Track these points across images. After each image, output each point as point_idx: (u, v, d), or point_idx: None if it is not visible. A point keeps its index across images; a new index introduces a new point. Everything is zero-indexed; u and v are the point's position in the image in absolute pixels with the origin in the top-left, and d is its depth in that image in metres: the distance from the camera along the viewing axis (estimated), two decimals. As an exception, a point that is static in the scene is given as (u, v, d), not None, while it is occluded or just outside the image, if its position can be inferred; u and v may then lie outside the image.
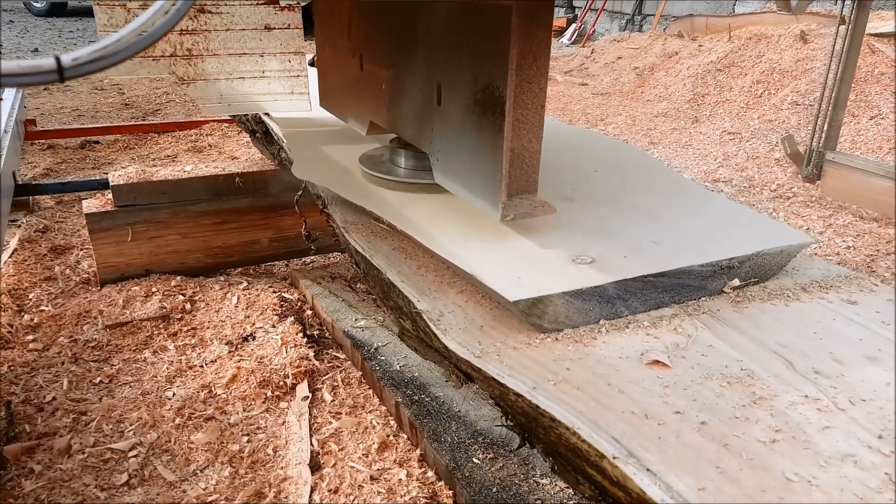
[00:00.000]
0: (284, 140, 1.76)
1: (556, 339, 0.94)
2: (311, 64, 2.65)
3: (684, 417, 0.79)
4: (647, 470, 0.70)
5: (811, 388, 0.86)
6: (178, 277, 2.27)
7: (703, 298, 1.06)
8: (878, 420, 0.82)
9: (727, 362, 0.90)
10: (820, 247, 2.59)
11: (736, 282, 1.09)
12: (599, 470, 0.76)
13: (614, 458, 0.72)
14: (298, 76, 2.04)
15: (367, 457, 1.62)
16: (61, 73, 0.57)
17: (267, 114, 2.05)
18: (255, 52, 1.98)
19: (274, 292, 2.25)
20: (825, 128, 2.87)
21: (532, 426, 0.85)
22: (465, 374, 1.09)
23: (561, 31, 9.06)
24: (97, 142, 3.87)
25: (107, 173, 3.29)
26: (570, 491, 1.47)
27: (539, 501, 1.42)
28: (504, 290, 0.95)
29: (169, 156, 3.65)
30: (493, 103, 1.12)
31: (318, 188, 1.47)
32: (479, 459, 1.53)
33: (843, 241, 2.64)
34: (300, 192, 1.92)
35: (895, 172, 2.58)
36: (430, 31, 1.30)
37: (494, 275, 1.01)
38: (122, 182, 2.17)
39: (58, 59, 0.57)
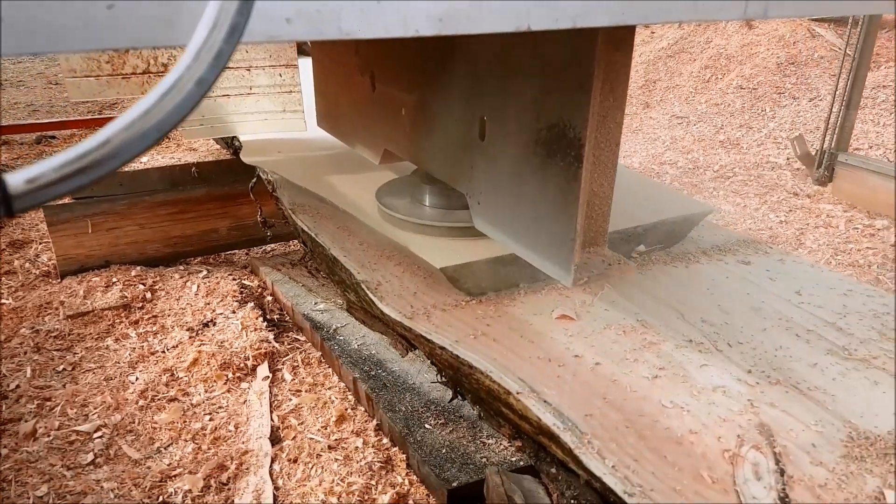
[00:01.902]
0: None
1: (480, 301, 1.05)
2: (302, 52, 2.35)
3: (582, 360, 0.91)
4: (545, 402, 0.82)
5: (696, 334, 0.99)
6: (138, 267, 2.33)
7: (612, 262, 1.18)
8: (750, 359, 0.94)
9: (626, 315, 1.02)
10: (754, 221, 2.76)
11: (642, 247, 1.21)
12: (508, 406, 0.87)
13: (518, 393, 0.83)
14: (291, 92, 1.83)
15: (325, 429, 1.71)
16: (8, 207, 0.38)
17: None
18: (240, 65, 1.78)
19: (234, 280, 2.32)
20: (837, 128, 2.74)
21: (458, 377, 0.96)
22: (406, 340, 1.19)
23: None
24: (53, 137, 3.85)
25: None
26: (514, 448, 1.59)
27: (484, 459, 1.54)
28: (432, 259, 1.05)
29: (127, 151, 3.66)
30: (563, 145, 0.92)
31: (268, 173, 1.55)
32: (430, 425, 1.64)
33: (777, 217, 2.82)
34: (254, 180, 1.99)
35: (895, 172, 2.53)
36: (469, 55, 1.08)
37: (423, 245, 1.12)
38: (79, 176, 2.21)
39: (2, 185, 0.37)
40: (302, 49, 2.22)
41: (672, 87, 4.68)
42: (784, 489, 0.72)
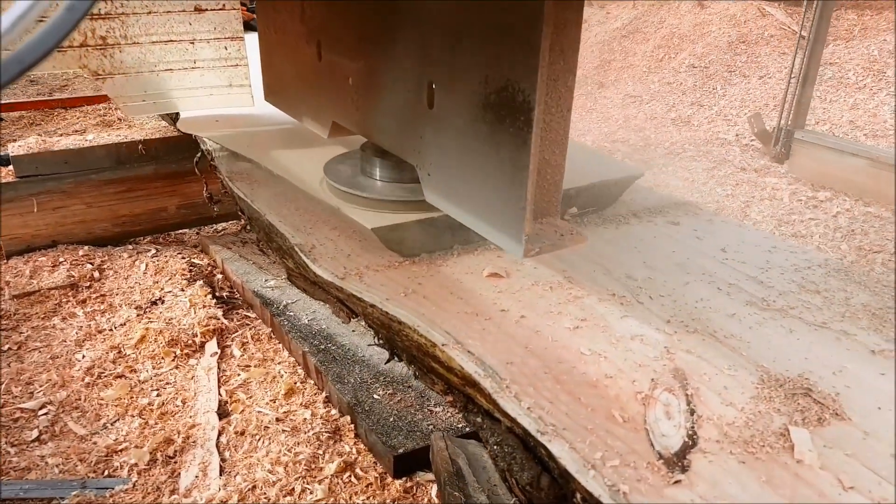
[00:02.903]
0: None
1: (414, 262, 1.07)
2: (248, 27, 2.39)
3: (507, 314, 0.94)
4: (468, 352, 0.84)
5: (619, 288, 1.02)
6: (86, 247, 2.29)
7: (545, 224, 1.21)
8: (670, 310, 0.98)
9: (554, 272, 1.05)
10: (701, 195, 2.83)
11: (574, 210, 1.24)
12: (436, 359, 0.89)
13: (443, 345, 0.85)
14: (237, 66, 1.76)
15: (274, 402, 1.72)
16: None
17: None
18: (183, 38, 1.69)
19: (183, 258, 2.30)
20: (793, 105, 2.79)
21: (390, 335, 0.98)
22: (345, 306, 1.20)
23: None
24: (1, 119, 3.74)
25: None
26: (460, 416, 1.63)
27: (431, 426, 1.57)
28: (364, 220, 1.06)
29: (77, 131, 3.58)
30: (513, 109, 0.88)
31: (207, 143, 1.54)
32: (379, 395, 1.66)
33: (723, 190, 2.90)
34: (199, 155, 1.97)
35: (895, 160, 2.53)
36: (418, 15, 1.04)
37: (358, 210, 1.13)
38: (22, 153, 2.16)
39: None
40: (249, 25, 2.18)
41: (626, 66, 4.74)
42: (693, 427, 0.76)
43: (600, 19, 5.30)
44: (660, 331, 0.92)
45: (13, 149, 2.20)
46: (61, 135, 3.53)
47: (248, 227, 1.58)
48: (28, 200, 2.19)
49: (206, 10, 1.70)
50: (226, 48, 1.77)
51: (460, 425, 1.58)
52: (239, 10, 1.75)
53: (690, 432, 0.75)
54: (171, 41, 1.70)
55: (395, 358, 1.12)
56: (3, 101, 3.88)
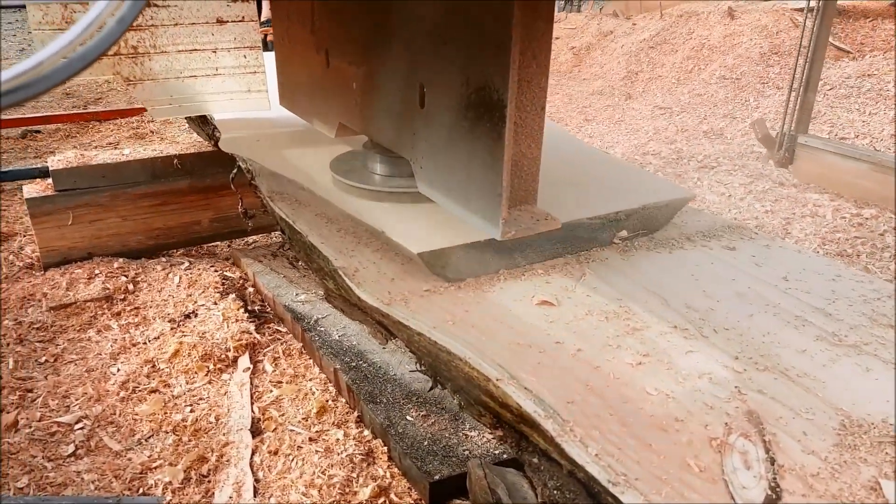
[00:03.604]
0: (215, 118, 1.78)
1: (459, 287, 1.03)
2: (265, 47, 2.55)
3: (563, 346, 0.89)
4: (525, 388, 0.80)
5: (680, 320, 0.97)
6: (121, 259, 2.30)
7: (594, 248, 1.17)
8: (736, 345, 0.93)
9: (608, 301, 1.01)
10: (739, 211, 2.76)
11: (624, 233, 1.19)
12: (488, 394, 0.85)
13: (497, 380, 0.81)
14: (255, 73, 1.89)
15: (306, 420, 1.69)
16: None
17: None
18: (206, 47, 1.83)
19: (216, 271, 2.29)
20: (796, 111, 2.81)
21: (436, 364, 0.95)
22: (383, 327, 1.17)
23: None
24: (38, 131, 3.81)
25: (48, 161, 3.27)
26: (496, 441, 1.58)
27: (467, 451, 1.52)
28: (408, 244, 1.03)
29: (111, 143, 3.63)
30: (489, 107, 0.98)
31: (247, 161, 1.53)
32: (412, 417, 1.63)
33: (762, 206, 2.82)
34: (235, 171, 1.97)
35: (895, 163, 2.54)
36: (409, 23, 1.15)
37: (401, 231, 1.10)
38: (61, 167, 2.18)
39: None
40: (266, 45, 2.23)
41: (654, 77, 4.68)
42: (774, 478, 0.71)
43: (626, 30, 5.24)
44: (728, 368, 0.87)
45: (52, 163, 2.21)
46: (95, 147, 3.58)
47: (288, 246, 1.56)
48: (65, 213, 2.21)
49: (227, 21, 1.82)
50: (245, 57, 1.89)
51: (497, 451, 1.53)
52: (256, 22, 1.87)
53: (773, 484, 0.70)
54: (196, 50, 1.83)
55: (439, 386, 1.08)
56: (40, 115, 3.94)
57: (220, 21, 1.81)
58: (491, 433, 0.93)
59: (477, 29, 0.97)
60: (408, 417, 1.62)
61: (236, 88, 1.91)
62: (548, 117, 1.05)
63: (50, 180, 2.22)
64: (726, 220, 1.34)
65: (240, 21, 1.83)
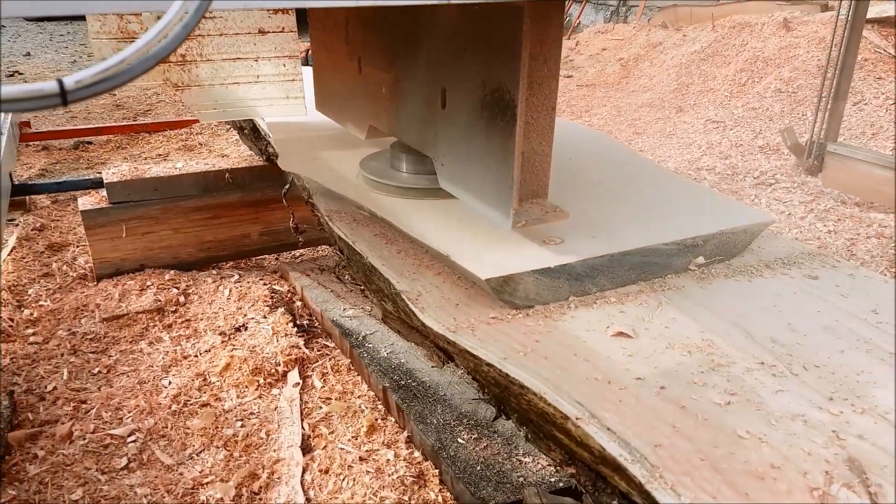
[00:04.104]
0: (271, 135, 1.79)
1: (528, 314, 0.99)
2: (305, 63, 2.63)
3: (644, 382, 0.84)
4: (608, 429, 0.75)
5: (767, 356, 0.91)
6: (172, 271, 2.32)
7: (668, 276, 1.11)
8: (829, 384, 0.87)
9: (689, 333, 0.96)
10: (801, 231, 2.65)
11: (700, 259, 1.14)
12: (565, 432, 0.81)
13: (577, 419, 0.77)
14: (293, 80, 1.99)
15: (356, 439, 1.67)
16: (64, 97, 0.56)
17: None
18: (249, 56, 1.94)
19: (265, 284, 2.29)
20: (826, 119, 2.83)
21: (504, 395, 0.91)
22: (445, 353, 1.14)
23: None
24: (90, 142, 3.91)
25: (100, 172, 3.34)
26: (552, 468, 1.53)
27: (521, 478, 1.47)
28: (476, 269, 1.00)
29: (160, 154, 3.70)
30: (502, 106, 1.07)
31: (304, 179, 1.52)
32: (463, 440, 1.58)
33: (825, 226, 2.70)
34: (287, 186, 1.97)
35: (895, 163, 2.56)
36: (433, 32, 1.25)
37: (468, 255, 1.06)
38: (115, 180, 2.21)
39: (60, 83, 0.55)
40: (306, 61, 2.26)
41: (706, 90, 4.56)
42: (877, 532, 0.65)
43: (676, 42, 5.14)
44: (823, 410, 0.81)
45: (107, 176, 2.25)
46: (145, 158, 3.65)
47: (346, 266, 1.55)
48: (118, 226, 2.24)
49: (268, 32, 1.92)
50: (284, 65, 1.99)
51: (553, 479, 1.48)
52: (295, 32, 1.97)
53: (881, 541, 0.64)
54: (239, 58, 1.93)
55: (503, 416, 1.04)
56: (91, 126, 4.05)
57: (261, 31, 1.92)
58: (560, 469, 0.88)
59: (492, 37, 1.07)
60: (459, 440, 1.58)
61: (276, 95, 2.01)
62: (605, 131, 1.05)
63: (103, 192, 2.26)
64: (805, 246, 1.27)
65: (280, 32, 1.94)
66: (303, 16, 2.04)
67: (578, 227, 1.20)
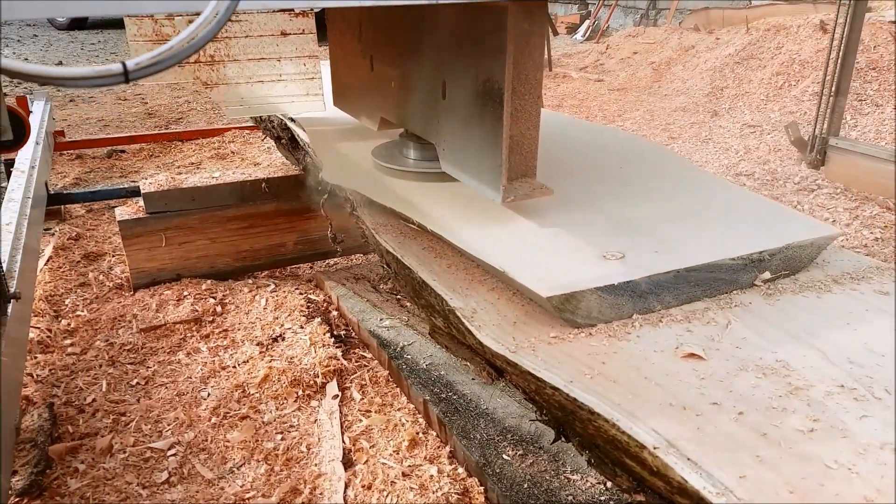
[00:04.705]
0: (311, 146, 1.79)
1: (590, 333, 0.96)
2: None
3: (721, 408, 0.81)
4: (688, 459, 0.72)
5: (846, 378, 0.87)
6: (209, 281, 2.32)
7: (734, 292, 1.07)
8: (915, 408, 0.82)
9: (761, 354, 0.91)
10: (847, 238, 2.57)
11: (767, 275, 1.09)
12: (639, 461, 0.77)
13: (654, 448, 0.73)
14: (313, 78, 2.13)
15: (397, 453, 1.64)
16: (126, 76, 0.70)
17: (292, 119, 2.09)
18: (272, 56, 2.08)
19: (300, 294, 2.28)
20: (828, 114, 2.90)
21: (568, 420, 0.87)
22: (496, 369, 1.11)
23: (574, 28, 9.04)
24: (123, 151, 3.95)
25: (134, 181, 3.37)
26: (602, 486, 1.48)
27: (570, 497, 1.43)
28: (537, 287, 0.97)
29: (193, 163, 3.72)
30: (492, 96, 1.21)
31: (347, 191, 1.50)
32: (508, 456, 1.55)
33: (871, 233, 2.62)
34: (326, 196, 1.95)
35: (895, 158, 2.59)
36: (435, 32, 1.40)
37: (526, 271, 1.03)
38: (152, 189, 2.22)
39: (123, 65, 0.70)
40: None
41: (741, 94, 4.47)
42: None
43: (709, 45, 5.05)
44: (913, 438, 0.77)
45: (144, 186, 2.26)
46: (179, 167, 3.68)
47: (392, 279, 1.53)
48: (156, 235, 2.25)
49: (290, 34, 2.08)
50: (304, 65, 2.14)
51: (603, 498, 1.44)
52: (315, 34, 2.13)
53: None
54: (263, 59, 2.09)
55: (563, 439, 1.01)
56: (124, 135, 4.10)
57: (283, 34, 2.07)
58: (629, 498, 0.84)
59: (483, 35, 1.21)
60: (504, 456, 1.55)
61: (297, 92, 2.15)
62: (648, 137, 1.03)
63: (139, 202, 2.27)
64: (871, 260, 1.21)
65: (300, 34, 2.09)
66: (322, 21, 2.16)
67: (638, 239, 1.17)
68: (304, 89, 2.14)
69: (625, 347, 0.92)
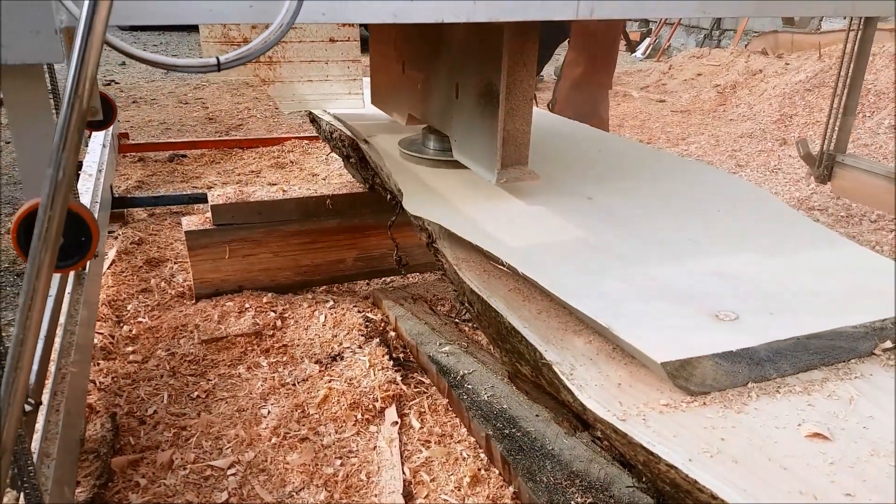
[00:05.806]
0: (392, 175, 1.78)
1: (704, 403, 0.89)
2: None
3: (856, 500, 0.74)
4: (829, 563, 0.65)
5: None
6: (269, 294, 2.32)
7: (852, 360, 0.99)
8: None
9: (892, 436, 0.84)
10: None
11: (888, 343, 1.01)
12: (767, 555, 0.71)
13: (789, 545, 0.67)
14: (354, 80, 2.46)
15: (459, 490, 1.59)
16: (219, 66, 0.92)
17: (366, 141, 2.09)
18: (320, 59, 2.40)
19: (359, 312, 2.26)
20: (836, 131, 2.98)
21: (681, 497, 0.81)
22: (583, 422, 1.05)
23: (635, 45, 8.88)
24: (184, 155, 4.00)
25: (196, 187, 3.41)
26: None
27: (643, 551, 1.37)
28: (650, 351, 0.91)
29: (253, 171, 3.75)
30: (492, 96, 1.48)
31: (425, 222, 1.47)
32: (577, 503, 1.48)
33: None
34: (394, 218, 1.93)
35: (895, 174, 2.62)
36: (451, 43, 1.70)
37: (633, 330, 0.97)
38: (220, 202, 2.23)
39: (217, 59, 0.91)
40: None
41: (811, 123, 4.31)
42: None
43: (777, 70, 4.89)
44: None
45: (212, 197, 2.28)
46: (239, 174, 3.71)
47: (471, 317, 1.48)
48: (220, 247, 2.26)
49: (337, 41, 2.39)
50: (348, 67, 2.45)
51: (678, 556, 1.36)
52: (358, 42, 2.45)
53: None
54: (313, 61, 2.39)
55: (661, 506, 0.95)
56: (185, 140, 4.16)
57: (331, 40, 2.38)
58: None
59: (486, 46, 1.47)
60: (573, 503, 1.48)
61: (340, 91, 2.46)
62: (713, 163, 0.94)
63: (202, 208, 2.29)
64: None
65: (346, 41, 2.41)
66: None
67: (750, 298, 1.09)
68: (346, 89, 2.45)
69: (744, 422, 0.85)
